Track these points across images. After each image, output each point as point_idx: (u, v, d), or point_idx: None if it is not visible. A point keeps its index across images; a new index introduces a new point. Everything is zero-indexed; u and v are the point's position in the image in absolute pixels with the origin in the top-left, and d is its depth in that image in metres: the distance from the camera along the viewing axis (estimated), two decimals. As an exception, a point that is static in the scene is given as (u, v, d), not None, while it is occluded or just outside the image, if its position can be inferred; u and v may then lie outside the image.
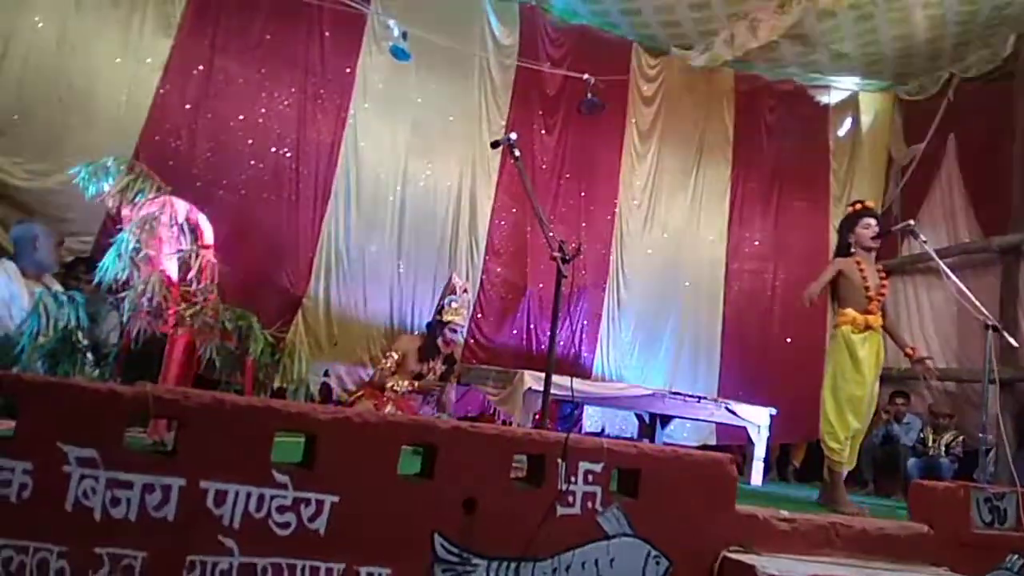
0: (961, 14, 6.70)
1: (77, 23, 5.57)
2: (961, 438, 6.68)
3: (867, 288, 4.39)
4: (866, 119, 8.21)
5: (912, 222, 5.07)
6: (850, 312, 4.39)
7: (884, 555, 3.06)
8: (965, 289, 4.41)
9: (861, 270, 4.44)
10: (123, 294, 3.54)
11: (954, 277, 4.54)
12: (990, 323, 4.22)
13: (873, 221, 4.56)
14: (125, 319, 3.44)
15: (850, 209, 4.76)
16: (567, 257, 3.43)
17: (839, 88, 8.11)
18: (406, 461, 2.55)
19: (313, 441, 2.42)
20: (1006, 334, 4.25)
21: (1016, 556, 3.29)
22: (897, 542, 3.14)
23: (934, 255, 4.59)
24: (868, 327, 4.38)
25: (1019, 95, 6.87)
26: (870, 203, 4.80)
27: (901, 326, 7.80)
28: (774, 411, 6.03)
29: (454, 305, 5.66)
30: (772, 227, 7.95)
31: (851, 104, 8.19)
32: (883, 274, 4.55)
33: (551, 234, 3.51)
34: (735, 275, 7.84)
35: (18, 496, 2.08)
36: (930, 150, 7.67)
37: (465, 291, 5.95)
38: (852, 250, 4.54)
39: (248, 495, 2.28)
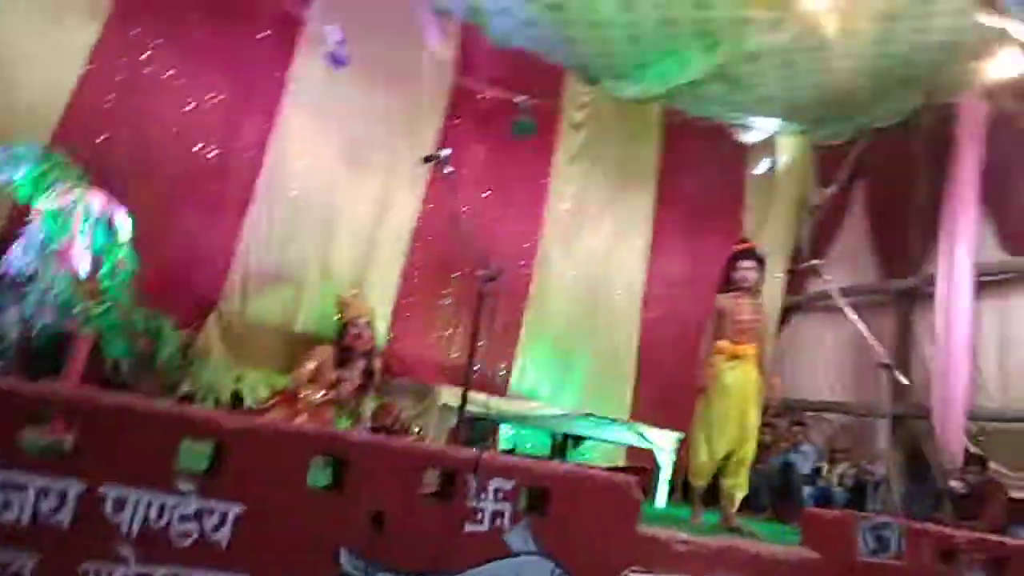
0: (875, 67, 7.08)
1: None
2: (854, 469, 6.99)
3: (738, 321, 4.69)
4: (783, 160, 8.58)
5: (817, 261, 5.35)
6: (722, 343, 4.70)
7: (775, 579, 3.19)
8: (864, 327, 4.66)
9: (738, 304, 4.74)
10: (28, 287, 3.41)
11: (854, 315, 4.78)
12: (884, 361, 4.47)
13: (747, 263, 4.87)
14: (28, 313, 3.31)
15: (734, 248, 5.04)
16: (491, 276, 3.48)
17: (759, 129, 8.44)
18: (316, 474, 2.53)
19: (220, 449, 2.38)
20: (897, 372, 4.50)
21: (897, 584, 3.48)
22: (789, 567, 3.28)
23: (835, 294, 4.84)
24: (736, 356, 4.66)
25: (924, 148, 7.32)
26: (748, 244, 5.10)
27: (803, 360, 8.20)
28: (682, 435, 6.20)
29: (353, 303, 5.52)
30: (689, 257, 8.19)
31: (769, 145, 8.54)
32: (758, 309, 4.81)
33: (476, 252, 3.55)
34: (653, 302, 8.05)
35: None
36: (840, 194, 8.08)
37: (355, 296, 5.82)
38: (731, 287, 4.78)
39: (149, 503, 2.23)
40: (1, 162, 3.57)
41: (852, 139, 8.01)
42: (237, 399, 5.85)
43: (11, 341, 3.58)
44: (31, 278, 3.34)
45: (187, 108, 6.06)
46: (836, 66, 7.13)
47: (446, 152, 3.96)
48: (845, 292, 5.93)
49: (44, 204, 3.55)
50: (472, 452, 2.74)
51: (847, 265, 7.80)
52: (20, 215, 3.94)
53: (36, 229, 3.42)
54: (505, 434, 7.11)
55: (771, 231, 8.44)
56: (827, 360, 7.91)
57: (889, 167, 7.65)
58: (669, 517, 4.80)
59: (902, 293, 7.24)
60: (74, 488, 2.15)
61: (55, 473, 2.14)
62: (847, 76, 7.29)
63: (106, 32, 5.69)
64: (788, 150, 8.60)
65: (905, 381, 4.71)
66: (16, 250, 3.41)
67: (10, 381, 2.32)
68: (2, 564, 2.06)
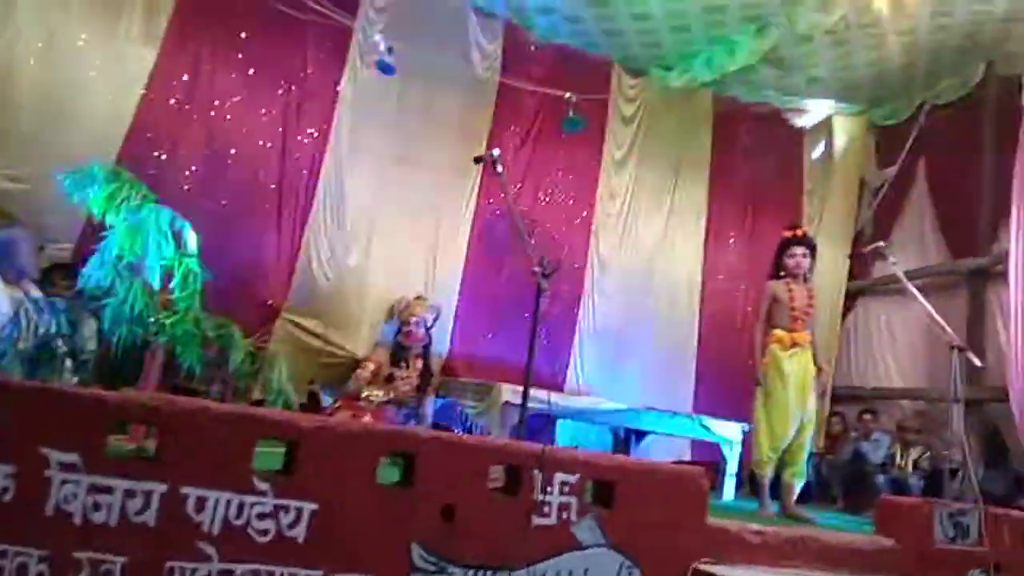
0: (933, 41, 6.90)
1: (63, 30, 5.58)
2: (928, 454, 6.79)
3: (793, 308, 4.67)
4: (840, 142, 8.39)
5: (882, 244, 5.22)
6: (778, 332, 4.67)
7: (850, 568, 3.13)
8: (932, 310, 4.54)
9: (790, 291, 4.72)
10: (104, 301, 3.56)
11: (922, 298, 4.66)
12: (956, 343, 4.34)
13: (799, 249, 4.84)
14: (106, 326, 3.45)
15: (784, 234, 4.97)
16: (546, 272, 3.50)
17: (814, 112, 8.28)
18: (385, 471, 2.59)
19: (294, 449, 2.45)
20: (970, 354, 4.37)
21: (978, 571, 3.38)
22: (863, 555, 3.22)
23: (902, 276, 4.71)
24: (795, 344, 4.63)
25: (988, 121, 7.07)
26: (800, 231, 5.03)
27: (871, 346, 8.00)
28: (747, 427, 6.11)
29: (410, 306, 5.63)
30: (746, 247, 8.07)
31: (825, 127, 8.37)
32: (811, 295, 4.74)
33: (532, 249, 3.57)
34: (711, 293, 7.96)
35: (-1, 500, 2.10)
36: (901, 174, 7.86)
37: (418, 299, 5.92)
38: (782, 273, 4.73)
39: (228, 502, 2.31)
40: (75, 182, 3.73)
41: (912, 117, 7.81)
42: (303, 404, 5.99)
43: (90, 353, 3.75)
44: (107, 292, 3.49)
45: (244, 124, 6.22)
46: (891, 42, 6.97)
47: (496, 152, 3.99)
48: (912, 274, 5.79)
49: (116, 220, 3.71)
50: (536, 446, 2.77)
51: (913, 246, 7.58)
52: (94, 231, 4.12)
53: (110, 244, 3.57)
54: (564, 432, 7.11)
55: (831, 215, 8.26)
56: (896, 345, 7.69)
57: (952, 143, 7.41)
58: (737, 510, 4.75)
59: (972, 273, 7.00)
60: (158, 489, 2.24)
61: (140, 476, 2.24)
62: (903, 52, 7.12)
63: (161, 56, 5.89)
64: (845, 131, 8.41)
65: (979, 363, 4.58)
66: (92, 265, 3.57)
67: (92, 391, 2.42)
68: (94, 563, 2.15)
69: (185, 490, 2.27)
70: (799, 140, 8.28)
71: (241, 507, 2.32)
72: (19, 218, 5.14)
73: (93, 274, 3.51)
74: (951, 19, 6.59)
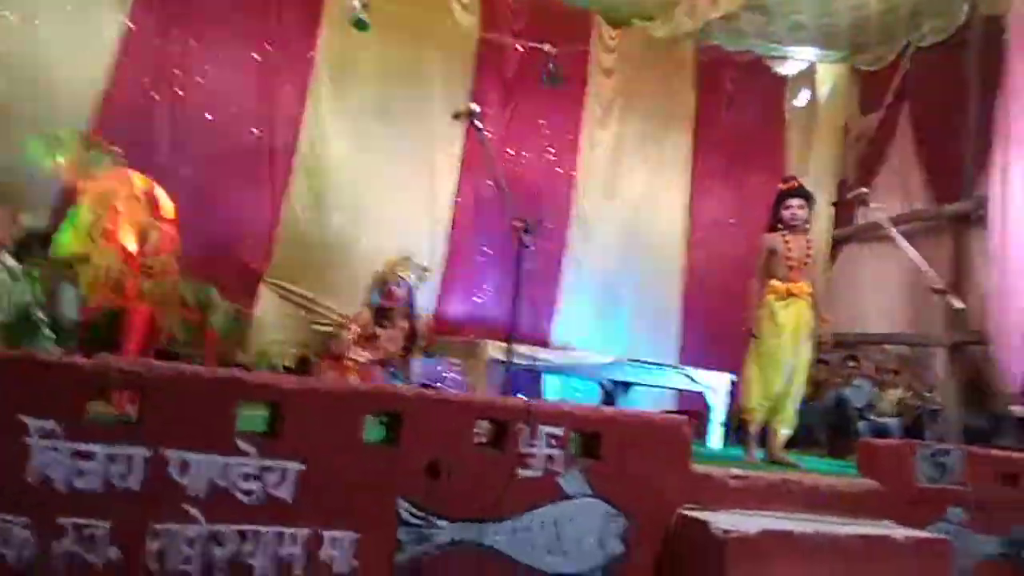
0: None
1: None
2: (909, 394, 6.85)
3: (789, 259, 4.66)
4: (823, 89, 8.33)
5: (864, 190, 5.21)
6: (773, 282, 4.67)
7: (833, 510, 3.19)
8: (915, 254, 4.56)
9: (786, 242, 4.70)
10: (80, 267, 3.52)
11: (905, 243, 4.68)
12: (937, 286, 4.37)
13: (795, 201, 4.80)
14: (84, 293, 3.42)
15: (780, 187, 4.96)
16: (529, 228, 3.48)
17: (797, 59, 8.20)
18: (371, 430, 2.59)
19: (278, 410, 2.45)
20: (951, 296, 4.41)
21: (958, 509, 3.45)
22: (846, 497, 3.27)
23: (885, 222, 4.73)
24: (791, 294, 4.64)
25: (971, 64, 7.02)
26: (794, 183, 5.01)
27: (855, 293, 8.04)
28: (734, 377, 6.16)
29: (393, 267, 5.61)
30: (732, 198, 8.05)
31: (808, 75, 8.29)
32: (809, 245, 4.76)
33: (512, 205, 3.55)
34: (696, 244, 7.95)
35: (-21, 468, 2.09)
36: (885, 120, 7.81)
37: (405, 259, 5.88)
38: (780, 226, 4.74)
39: (212, 464, 2.31)
40: (41, 147, 3.66)
41: (895, 61, 7.74)
42: (290, 368, 5.98)
43: (70, 321, 3.72)
44: (82, 259, 3.45)
45: (218, 87, 6.11)
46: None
47: (475, 107, 3.94)
48: (895, 220, 5.80)
49: (89, 186, 3.65)
50: (522, 400, 2.78)
51: (896, 192, 7.56)
52: (68, 197, 4.06)
53: (82, 210, 3.52)
54: (552, 385, 7.15)
55: (815, 163, 8.22)
56: (880, 291, 7.72)
57: (935, 88, 7.35)
58: (724, 458, 4.81)
59: (955, 218, 7.01)
60: (140, 453, 2.24)
61: (122, 440, 2.23)
62: (884, -3, 7.02)
63: (132, 21, 5.77)
64: (828, 78, 8.34)
65: (960, 305, 4.63)
66: (65, 232, 3.52)
67: (68, 358, 2.40)
68: (78, 528, 2.16)
69: (168, 453, 2.27)
70: (782, 88, 8.21)
71: (225, 468, 2.33)
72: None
73: (66, 241, 3.46)
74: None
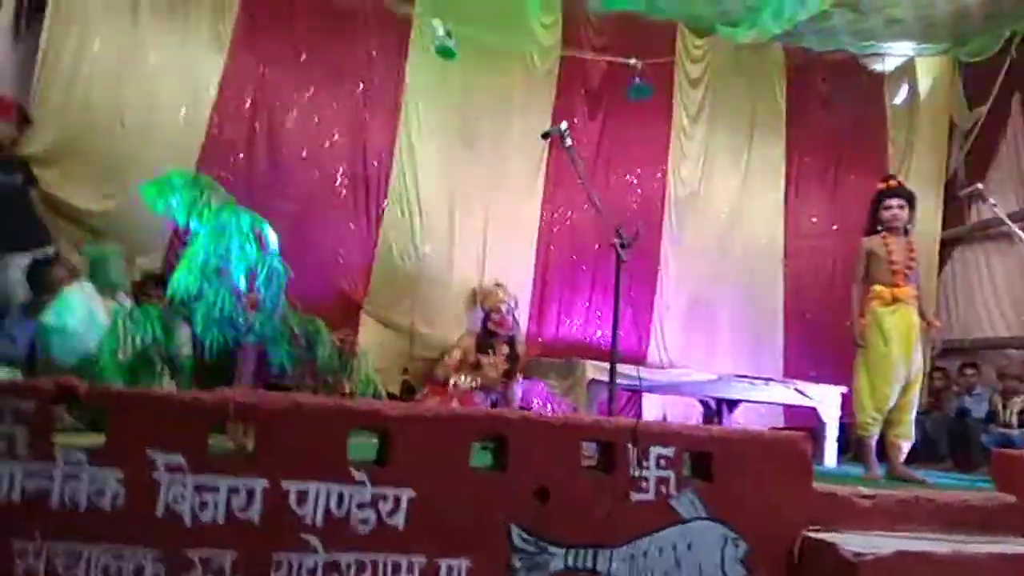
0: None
1: (132, 47, 5.76)
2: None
3: (892, 263, 4.46)
4: (924, 85, 7.94)
5: (979, 185, 4.93)
6: (877, 288, 4.48)
7: (968, 527, 2.97)
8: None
9: (887, 245, 4.50)
10: (195, 305, 3.66)
11: (1026, 239, 4.39)
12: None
13: (895, 201, 4.61)
14: (198, 330, 3.55)
15: (878, 187, 4.74)
16: (625, 242, 3.43)
17: (894, 55, 7.87)
18: (477, 455, 2.58)
19: (386, 438, 2.46)
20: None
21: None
22: (981, 513, 3.05)
23: (1004, 217, 4.45)
24: (896, 299, 4.44)
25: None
26: (893, 182, 4.79)
27: (971, 296, 7.60)
28: (844, 390, 5.90)
29: (493, 294, 5.68)
30: (830, 201, 7.77)
31: (908, 70, 7.93)
32: (912, 248, 4.54)
33: (608, 221, 3.50)
34: (794, 252, 7.69)
35: (112, 505, 2.17)
36: (994, 112, 7.39)
37: (498, 285, 5.95)
38: (879, 228, 4.53)
39: (328, 493, 2.34)
40: (155, 192, 3.85)
41: (1002, 51, 7.33)
42: (395, 395, 6.07)
43: (186, 358, 3.88)
44: (197, 297, 3.59)
45: (313, 121, 6.32)
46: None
47: (564, 126, 3.92)
48: (1014, 217, 5.46)
49: (200, 226, 3.81)
50: (629, 420, 2.72)
51: (1011, 188, 7.14)
52: (180, 240, 4.27)
53: (195, 250, 3.68)
54: (652, 405, 7.02)
55: (920, 162, 7.83)
56: (998, 293, 7.27)
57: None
58: (842, 476, 4.59)
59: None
60: (259, 485, 2.29)
61: (241, 473, 2.29)
62: (987, -17, 6.67)
63: (229, 61, 6.02)
64: (929, 73, 7.95)
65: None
66: (179, 272, 3.68)
67: (190, 393, 2.49)
68: (205, 560, 2.22)
69: (286, 484, 2.31)
70: (880, 86, 7.88)
71: (341, 498, 2.35)
72: (105, 233, 5.36)
73: (181, 281, 3.62)
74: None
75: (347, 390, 4.60)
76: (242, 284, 3.70)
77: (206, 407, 2.32)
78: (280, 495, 2.30)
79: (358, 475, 2.38)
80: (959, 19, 7.23)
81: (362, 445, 2.50)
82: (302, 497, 2.32)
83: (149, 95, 5.77)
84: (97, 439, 2.26)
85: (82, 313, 4.27)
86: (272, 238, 3.92)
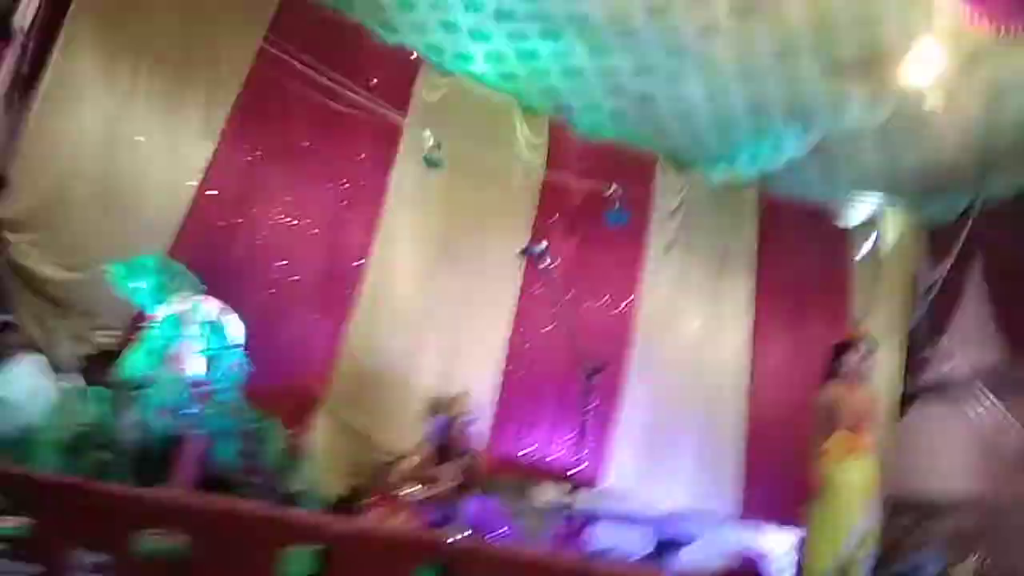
0: (987, 136, 6.76)
1: (122, 126, 5.75)
2: (987, 561, 6.28)
3: (855, 412, 4.54)
4: (889, 239, 8.21)
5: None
6: (841, 435, 4.51)
7: None
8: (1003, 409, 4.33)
9: (848, 394, 4.60)
10: (145, 390, 3.55)
11: (988, 401, 4.45)
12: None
13: (857, 352, 4.76)
14: (144, 417, 3.43)
15: (842, 337, 4.88)
16: (594, 369, 3.42)
17: (861, 208, 8.16)
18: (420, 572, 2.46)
19: (327, 553, 2.35)
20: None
21: None
22: None
23: (963, 377, 4.53)
24: (856, 449, 4.50)
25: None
26: (855, 333, 4.96)
27: (926, 452, 7.59)
28: (801, 534, 5.79)
29: (458, 403, 5.60)
30: (794, 345, 7.84)
31: (873, 224, 8.22)
32: (871, 398, 4.64)
33: (579, 349, 3.50)
34: (759, 390, 7.71)
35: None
36: (956, 270, 7.62)
37: (464, 394, 5.88)
38: (840, 377, 4.65)
39: (256, 608, 2.21)
40: (126, 273, 3.79)
41: (965, 212, 7.62)
42: (343, 497, 5.85)
43: (126, 444, 3.71)
44: (146, 383, 3.48)
45: (295, 215, 6.34)
46: (942, 138, 6.86)
47: (543, 245, 3.97)
48: (971, 376, 5.55)
49: (162, 311, 3.74)
50: (577, 557, 2.63)
51: (971, 347, 7.28)
52: (137, 322, 4.15)
53: (154, 334, 3.59)
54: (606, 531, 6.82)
55: (881, 315, 7.99)
56: (954, 451, 7.30)
57: (1008, 239, 7.18)
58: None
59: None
60: (187, 596, 2.15)
61: (166, 578, 2.16)
62: (953, 150, 7.00)
63: (220, 150, 6.05)
64: (894, 228, 8.24)
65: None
66: (136, 353, 3.58)
67: (126, 487, 2.38)
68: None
69: (215, 597, 2.18)
70: (846, 237, 8.14)
71: (270, 614, 2.22)
72: (65, 305, 5.18)
73: (137, 362, 3.52)
74: (1003, 118, 6.49)
75: (295, 489, 4.45)
76: (198, 374, 3.61)
77: (141, 505, 2.21)
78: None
79: (292, 592, 2.25)
80: (926, 178, 7.54)
81: (300, 554, 2.38)
82: (229, 612, 2.18)
83: (132, 174, 5.72)
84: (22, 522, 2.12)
85: (27, 385, 4.11)
86: (237, 330, 3.85)
